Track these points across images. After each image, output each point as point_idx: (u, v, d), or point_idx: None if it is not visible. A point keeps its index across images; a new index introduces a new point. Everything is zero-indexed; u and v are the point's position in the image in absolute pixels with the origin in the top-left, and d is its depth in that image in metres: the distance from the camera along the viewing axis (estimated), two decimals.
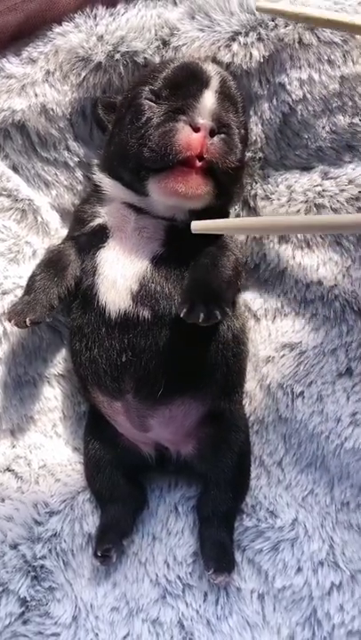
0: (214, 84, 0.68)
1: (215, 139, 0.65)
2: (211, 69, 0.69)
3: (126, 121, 0.70)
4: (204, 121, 0.64)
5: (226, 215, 0.79)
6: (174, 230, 0.71)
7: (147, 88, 0.69)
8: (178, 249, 0.71)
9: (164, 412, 0.71)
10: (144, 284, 0.69)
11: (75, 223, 0.79)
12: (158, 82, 0.68)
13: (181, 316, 0.62)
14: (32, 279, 0.74)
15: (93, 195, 0.78)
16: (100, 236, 0.73)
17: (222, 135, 0.66)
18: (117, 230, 0.73)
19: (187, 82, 0.67)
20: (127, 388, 0.70)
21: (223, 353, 0.72)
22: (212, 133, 0.65)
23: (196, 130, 0.64)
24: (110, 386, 0.71)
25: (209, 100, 0.66)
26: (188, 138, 0.64)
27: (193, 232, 0.63)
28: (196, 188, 0.66)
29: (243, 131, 0.72)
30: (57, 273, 0.73)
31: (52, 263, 0.75)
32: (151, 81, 0.69)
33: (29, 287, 0.73)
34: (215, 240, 0.73)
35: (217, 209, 0.71)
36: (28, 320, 0.68)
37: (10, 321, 0.69)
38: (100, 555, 0.75)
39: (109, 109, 0.77)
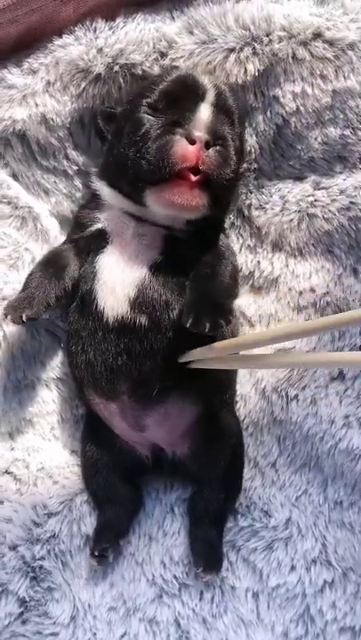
0: (210, 96, 0.70)
1: (210, 151, 0.67)
2: (207, 82, 0.71)
3: (125, 133, 0.71)
4: (199, 133, 0.66)
5: (221, 224, 0.81)
6: (172, 239, 0.73)
7: (145, 101, 0.70)
8: (175, 257, 0.72)
9: (159, 411, 0.73)
10: (142, 291, 0.71)
11: (74, 227, 0.81)
12: (155, 95, 0.70)
13: (187, 326, 0.63)
14: (30, 277, 0.75)
15: (92, 201, 0.79)
16: (100, 240, 0.75)
17: (217, 147, 0.68)
18: (117, 236, 0.74)
19: (183, 95, 0.69)
20: (122, 390, 0.72)
21: None
22: (207, 145, 0.67)
23: (192, 142, 0.66)
24: (106, 387, 0.73)
25: (205, 112, 0.68)
26: (185, 150, 0.65)
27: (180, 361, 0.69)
28: (192, 200, 0.68)
29: (238, 142, 0.73)
30: (55, 273, 0.74)
31: (51, 263, 0.76)
32: (149, 94, 0.70)
33: (27, 284, 0.74)
34: (212, 249, 0.75)
35: (213, 218, 0.73)
36: (24, 315, 0.68)
37: (6, 316, 0.69)
38: (96, 554, 0.76)
39: (109, 120, 0.78)
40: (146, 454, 0.79)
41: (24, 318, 0.68)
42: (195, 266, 0.72)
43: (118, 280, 0.72)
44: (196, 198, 0.68)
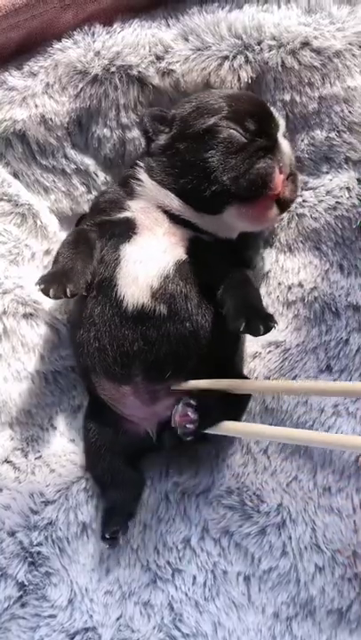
0: (282, 127, 0.76)
1: (288, 180, 0.74)
2: (275, 112, 0.77)
3: (205, 142, 0.72)
4: (286, 166, 0.73)
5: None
6: (198, 240, 0.76)
7: (229, 115, 0.72)
8: (199, 256, 0.75)
9: (173, 383, 0.74)
10: (165, 284, 0.72)
11: (99, 212, 0.80)
12: (241, 114, 0.72)
13: (240, 330, 0.65)
14: (61, 254, 0.74)
15: (123, 191, 0.79)
16: (125, 229, 0.76)
17: (291, 177, 0.75)
18: (146, 230, 0.75)
19: (266, 120, 0.74)
20: (136, 373, 0.74)
21: (225, 338, 0.75)
22: (287, 176, 0.74)
23: (280, 171, 0.72)
24: (119, 372, 0.74)
25: (286, 145, 0.75)
26: (278, 179, 0.71)
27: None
28: (271, 219, 0.75)
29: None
30: (87, 251, 0.74)
31: (80, 242, 0.76)
32: (231, 110, 0.72)
33: (58, 260, 0.73)
34: (233, 252, 0.78)
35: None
36: (68, 290, 0.66)
37: (47, 292, 0.66)
38: (107, 537, 0.77)
39: (159, 121, 0.78)
40: (151, 429, 0.79)
41: (68, 293, 0.66)
42: (219, 268, 0.74)
43: (142, 271, 0.72)
44: (274, 218, 0.76)
